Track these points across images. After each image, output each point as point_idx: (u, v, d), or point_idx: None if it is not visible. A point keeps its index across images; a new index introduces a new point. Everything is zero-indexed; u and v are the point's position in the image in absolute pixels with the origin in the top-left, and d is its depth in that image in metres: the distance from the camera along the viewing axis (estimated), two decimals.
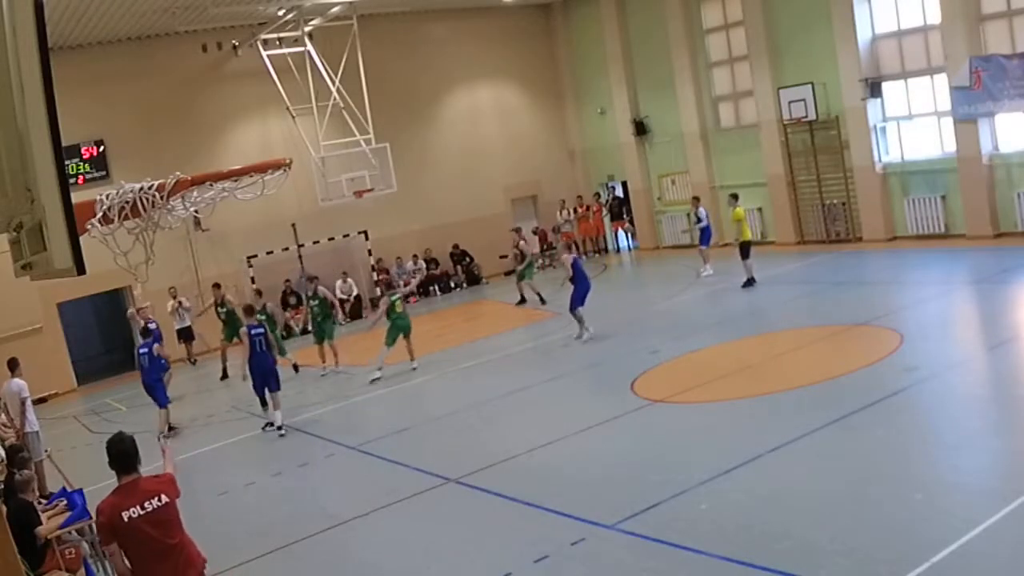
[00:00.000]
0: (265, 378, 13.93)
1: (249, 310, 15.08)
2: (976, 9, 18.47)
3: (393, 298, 16.22)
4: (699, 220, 20.83)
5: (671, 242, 26.51)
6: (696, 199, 21.69)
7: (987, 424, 9.48)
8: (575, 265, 16.44)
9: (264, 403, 14.25)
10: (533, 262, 22.33)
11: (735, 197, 19.36)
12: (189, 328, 21.62)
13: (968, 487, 7.77)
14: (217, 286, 20.31)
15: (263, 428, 14.12)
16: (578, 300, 16.25)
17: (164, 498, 5.72)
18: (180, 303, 21.18)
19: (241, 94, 23.59)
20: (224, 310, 19.14)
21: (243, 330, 14.25)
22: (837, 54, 20.97)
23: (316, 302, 17.58)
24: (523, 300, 21.56)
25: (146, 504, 5.64)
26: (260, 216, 21.94)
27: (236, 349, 16.94)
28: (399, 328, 16.15)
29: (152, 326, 16.13)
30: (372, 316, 17.82)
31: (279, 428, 13.72)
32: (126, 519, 5.59)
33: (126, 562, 5.71)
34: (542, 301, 20.71)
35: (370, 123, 23.32)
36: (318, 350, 17.82)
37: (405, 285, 20.00)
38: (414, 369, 16.29)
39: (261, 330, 14.02)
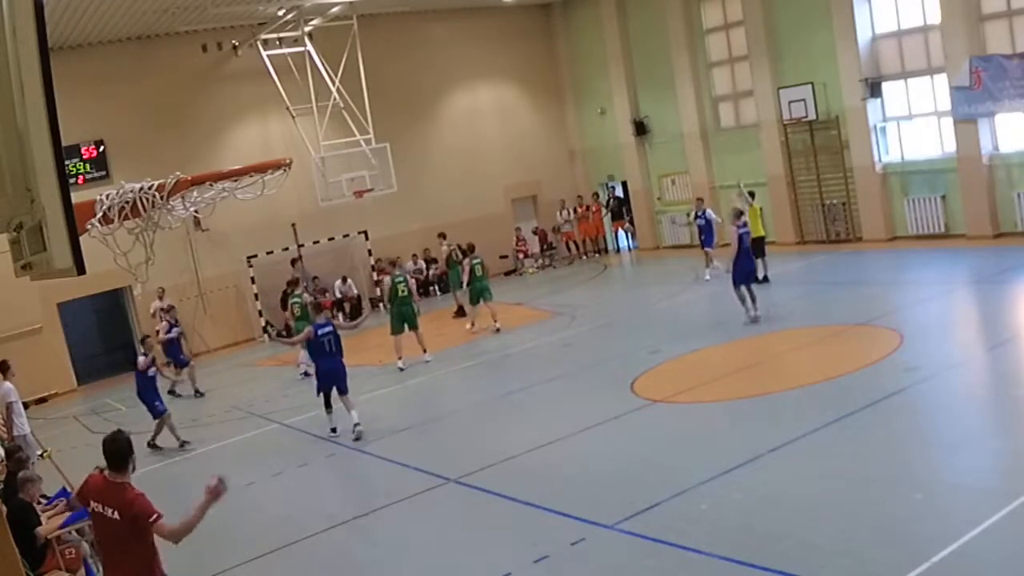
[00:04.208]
0: (335, 380, 12.83)
1: (317, 307, 14.13)
2: (976, 9, 18.47)
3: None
4: (703, 220, 20.54)
5: (671, 242, 26.52)
6: (700, 200, 21.69)
7: (987, 424, 9.50)
8: (739, 238, 15.49)
9: (329, 406, 12.95)
10: (460, 271, 20.04)
11: (752, 195, 19.24)
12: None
13: (968, 487, 7.78)
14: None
15: (331, 432, 12.95)
16: (739, 278, 15.32)
17: (116, 515, 5.86)
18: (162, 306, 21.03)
19: (241, 94, 23.58)
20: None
21: (309, 329, 13.22)
22: (837, 54, 20.97)
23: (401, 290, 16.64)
24: (460, 312, 20.95)
25: (106, 508, 5.91)
26: (260, 216, 21.90)
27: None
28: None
29: None
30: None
31: (356, 425, 12.63)
32: (91, 507, 6.04)
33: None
34: (461, 313, 20.76)
35: (370, 123, 23.32)
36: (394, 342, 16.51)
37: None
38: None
39: (330, 328, 12.89)
